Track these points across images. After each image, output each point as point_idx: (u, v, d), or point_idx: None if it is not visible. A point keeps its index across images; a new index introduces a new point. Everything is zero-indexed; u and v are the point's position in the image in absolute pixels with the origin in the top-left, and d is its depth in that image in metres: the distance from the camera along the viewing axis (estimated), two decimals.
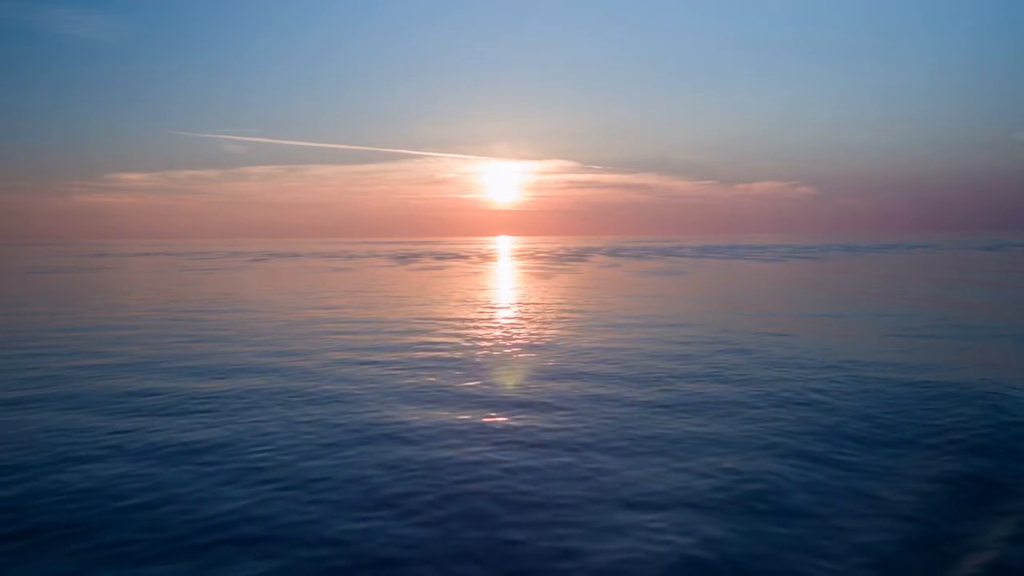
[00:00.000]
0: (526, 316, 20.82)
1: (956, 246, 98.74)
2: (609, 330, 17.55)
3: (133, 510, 6.42)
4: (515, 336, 16.72)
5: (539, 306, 23.72)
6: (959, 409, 9.43)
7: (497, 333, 17.29)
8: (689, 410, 9.66)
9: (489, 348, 15.02)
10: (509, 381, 11.73)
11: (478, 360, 13.61)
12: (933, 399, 10.01)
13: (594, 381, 11.53)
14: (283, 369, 12.78)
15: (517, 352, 14.46)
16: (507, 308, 23.30)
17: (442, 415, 9.56)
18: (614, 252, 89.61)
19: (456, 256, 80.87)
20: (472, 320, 20.02)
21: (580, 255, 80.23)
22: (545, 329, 17.85)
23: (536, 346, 15.19)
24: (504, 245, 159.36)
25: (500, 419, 9.34)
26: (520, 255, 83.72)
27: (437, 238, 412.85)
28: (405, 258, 73.95)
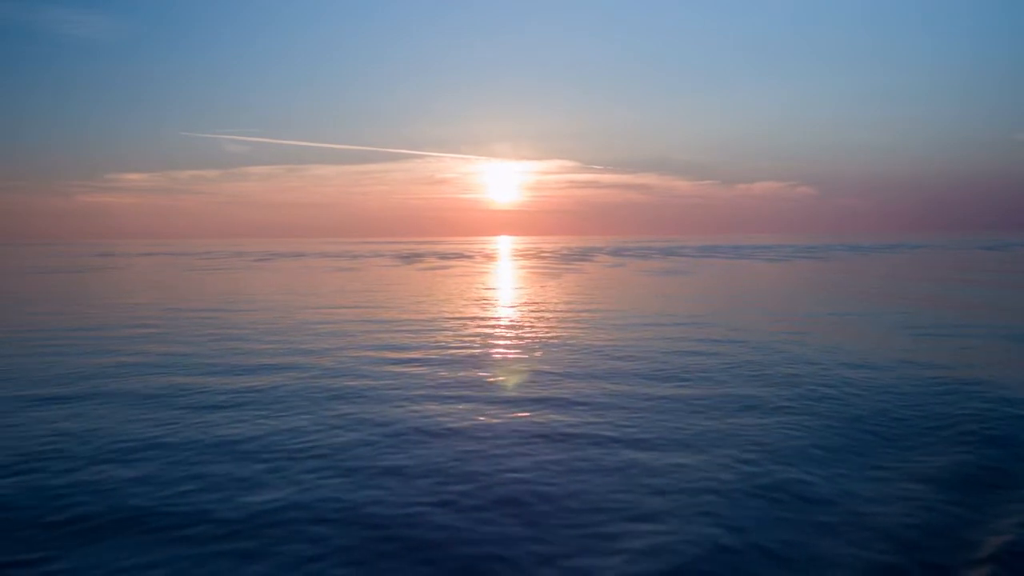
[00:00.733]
0: (541, 315, 21.09)
1: (958, 246, 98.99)
2: (625, 329, 17.83)
3: (178, 497, 6.69)
4: (533, 335, 16.99)
5: (553, 305, 24.01)
6: (973, 404, 9.72)
7: (515, 332, 17.56)
8: (710, 406, 9.94)
9: (508, 346, 15.30)
10: (531, 379, 11.99)
11: (499, 358, 13.90)
12: (945, 394, 10.30)
13: (615, 378, 11.81)
14: (306, 367, 13.05)
15: (537, 351, 14.73)
16: (522, 307, 23.57)
17: (469, 412, 9.84)
18: (617, 252, 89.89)
19: (460, 256, 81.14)
20: (488, 319, 20.30)
21: (584, 255, 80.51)
22: (563, 328, 18.12)
23: (555, 344, 15.46)
24: (506, 245, 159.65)
25: (525, 415, 9.61)
26: (524, 255, 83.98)
27: (438, 238, 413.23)
28: (409, 258, 74.23)
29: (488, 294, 29.04)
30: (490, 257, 77.33)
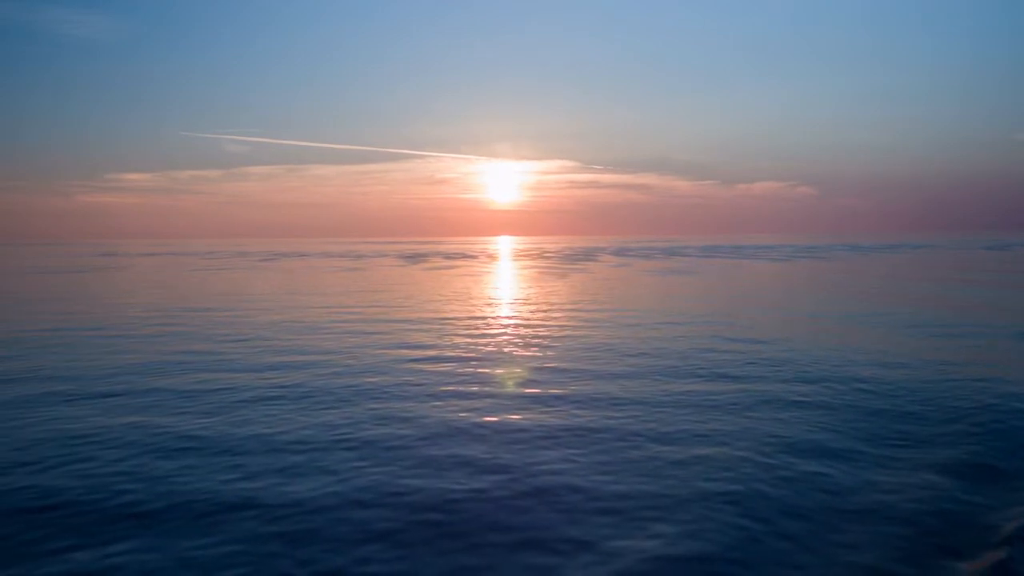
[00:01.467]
0: (554, 315, 21.34)
1: (959, 246, 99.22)
2: (639, 328, 18.11)
3: (223, 485, 6.97)
4: (548, 333, 17.26)
5: (564, 305, 24.26)
6: (983, 399, 10.05)
7: (530, 331, 17.82)
8: (728, 401, 10.23)
9: (526, 344, 15.58)
10: (551, 376, 12.26)
11: (518, 356, 14.18)
12: (957, 390, 10.62)
13: (634, 376, 12.10)
14: (329, 364, 13.32)
15: (554, 349, 15.01)
16: (534, 307, 23.79)
17: (493, 407, 10.13)
18: (620, 252, 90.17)
19: (464, 256, 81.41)
20: (502, 318, 20.58)
21: (587, 255, 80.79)
22: (577, 327, 18.39)
23: (571, 343, 15.74)
24: (507, 245, 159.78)
25: (549, 411, 9.89)
26: (527, 255, 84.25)
27: (438, 238, 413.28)
28: (414, 258, 74.50)
29: (498, 294, 29.32)
30: (493, 257, 77.59)
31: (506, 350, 14.81)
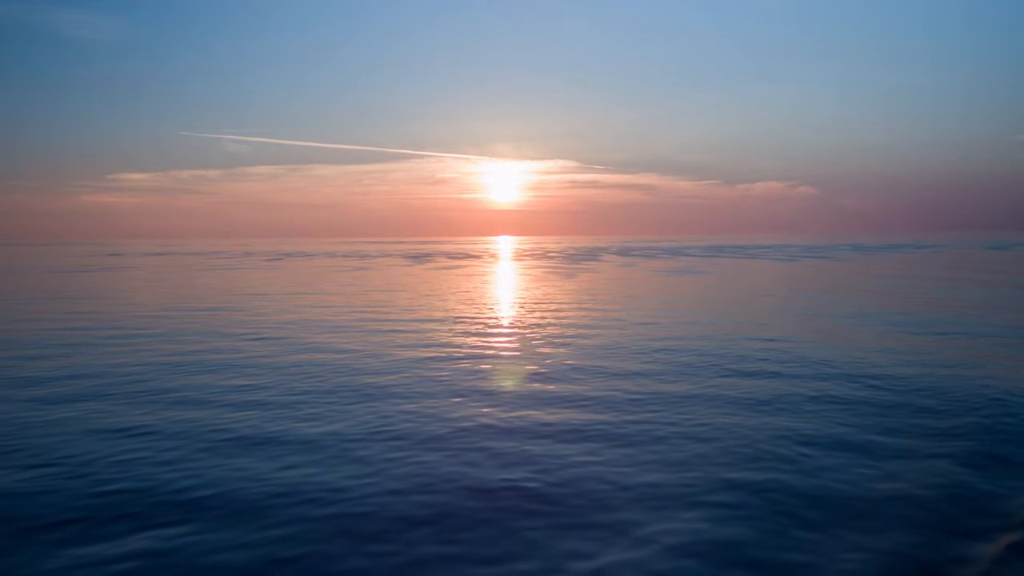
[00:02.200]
0: (567, 315, 21.59)
1: (962, 246, 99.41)
2: (653, 327, 18.39)
3: (267, 475, 7.27)
4: (564, 333, 17.53)
5: (576, 305, 24.50)
6: (997, 395, 10.34)
7: (547, 331, 18.06)
8: (744, 399, 10.52)
9: (545, 344, 15.86)
10: (574, 376, 12.54)
11: (538, 355, 14.46)
12: (971, 387, 10.90)
13: (651, 375, 12.38)
14: (354, 363, 13.61)
15: (568, 348, 15.29)
16: (546, 306, 24.01)
17: (518, 405, 10.41)
18: (624, 252, 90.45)
19: (468, 256, 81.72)
20: (516, 318, 20.87)
21: (591, 255, 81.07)
22: (592, 327, 18.63)
23: (587, 343, 16.00)
24: (509, 245, 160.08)
25: (577, 411, 10.17)
26: (530, 255, 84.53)
27: (440, 238, 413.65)
28: (419, 258, 74.83)
29: (509, 294, 29.60)
30: (496, 257, 77.88)
31: (524, 348, 15.10)
